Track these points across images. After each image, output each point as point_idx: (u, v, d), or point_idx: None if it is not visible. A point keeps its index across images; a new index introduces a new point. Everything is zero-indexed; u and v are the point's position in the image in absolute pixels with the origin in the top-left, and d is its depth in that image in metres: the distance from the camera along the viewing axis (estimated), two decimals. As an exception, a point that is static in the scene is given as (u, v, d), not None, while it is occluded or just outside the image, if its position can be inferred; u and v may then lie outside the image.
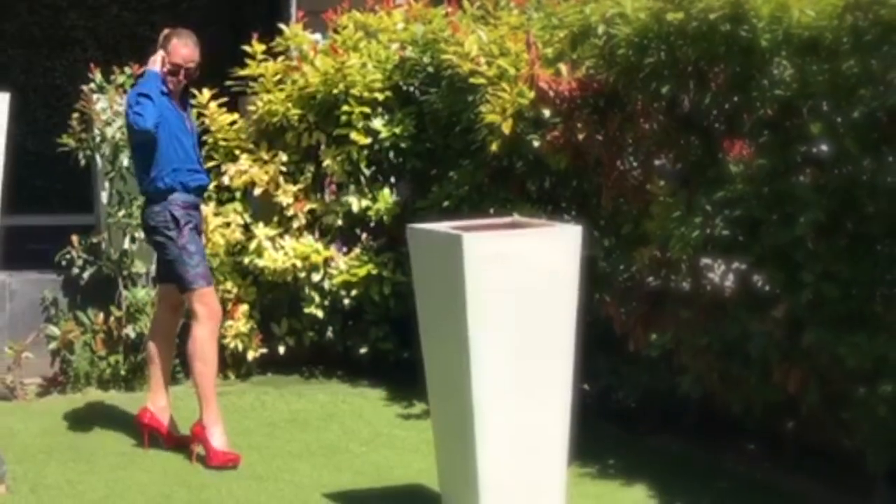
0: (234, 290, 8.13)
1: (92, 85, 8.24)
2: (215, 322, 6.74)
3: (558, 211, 7.41)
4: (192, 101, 7.44)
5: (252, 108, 8.48)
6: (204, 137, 8.16)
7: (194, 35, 6.76)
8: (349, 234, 8.45)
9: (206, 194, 7.41)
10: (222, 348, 7.98)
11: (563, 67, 6.91)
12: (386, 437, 7.07)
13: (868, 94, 5.34)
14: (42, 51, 13.24)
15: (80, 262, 8.23)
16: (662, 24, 6.13)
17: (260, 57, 8.49)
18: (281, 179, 8.30)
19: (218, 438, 6.53)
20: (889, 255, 5.49)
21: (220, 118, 8.41)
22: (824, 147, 5.69)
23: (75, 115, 8.27)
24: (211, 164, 8.19)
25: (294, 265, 8.09)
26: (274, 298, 8.40)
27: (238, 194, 8.34)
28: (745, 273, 6.18)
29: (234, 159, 8.36)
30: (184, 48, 6.64)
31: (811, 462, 6.24)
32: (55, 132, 8.54)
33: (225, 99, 8.51)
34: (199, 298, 6.60)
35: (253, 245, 8.17)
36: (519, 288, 5.18)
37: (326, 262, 8.16)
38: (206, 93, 8.27)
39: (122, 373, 7.98)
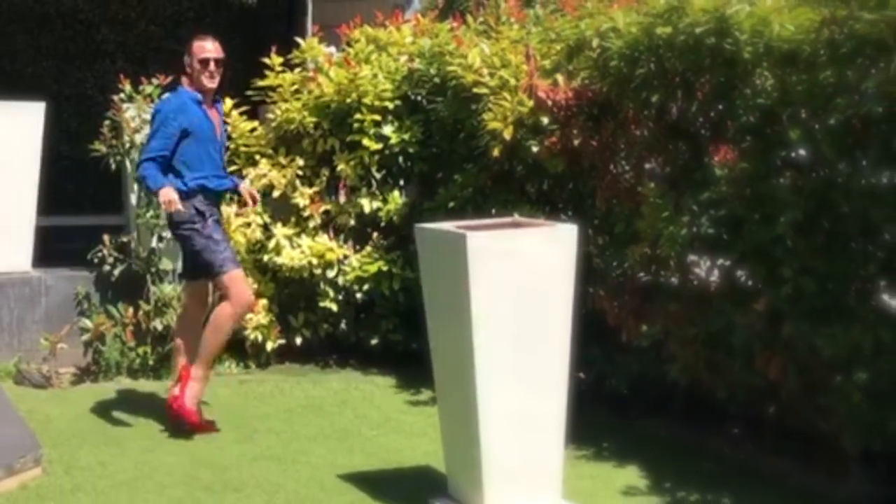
0: (255, 286, 8.15)
1: (122, 95, 8.27)
2: (242, 307, 6.73)
3: (556, 211, 7.42)
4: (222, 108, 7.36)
5: (271, 116, 8.52)
6: (227, 143, 8.19)
7: (212, 37, 6.87)
8: (361, 234, 8.47)
9: (228, 196, 7.55)
10: (243, 340, 8.03)
11: (560, 78, 6.92)
12: (395, 422, 7.09)
13: (843, 102, 5.34)
14: (75, 62, 13.25)
15: (110, 260, 8.26)
16: (652, 38, 6.14)
17: (278, 68, 8.53)
18: (298, 182, 8.34)
19: (191, 396, 6.65)
20: (862, 252, 5.50)
21: (241, 125, 8.45)
22: (802, 152, 5.69)
23: (106, 122, 8.31)
24: (233, 168, 8.22)
25: (310, 262, 8.13)
26: (291, 293, 8.43)
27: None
28: (729, 269, 6.18)
29: (255, 164, 8.40)
30: (203, 42, 6.76)
31: (791, 444, 6.25)
32: (87, 139, 8.56)
33: (246, 108, 8.55)
34: (231, 281, 6.63)
35: (272, 244, 8.21)
36: (519, 283, 5.19)
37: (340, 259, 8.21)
38: (229, 102, 8.31)
39: (151, 363, 8.01)
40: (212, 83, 6.73)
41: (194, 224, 6.61)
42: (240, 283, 6.70)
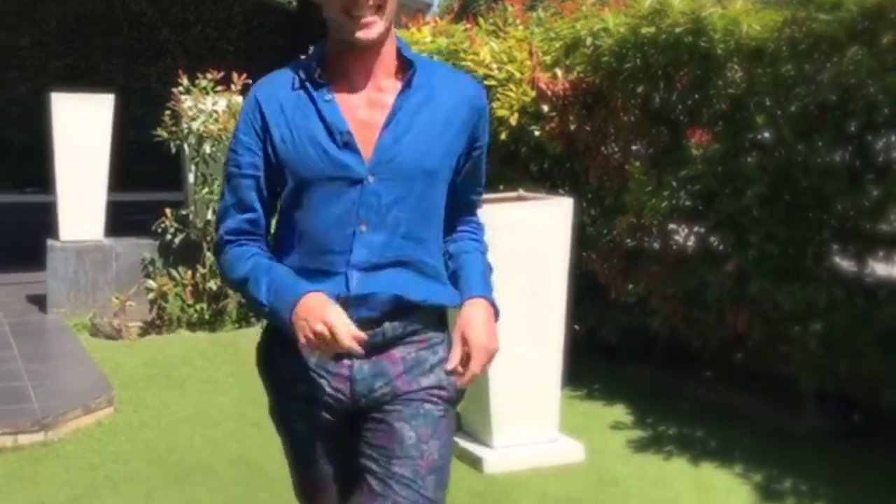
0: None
1: (180, 87, 8.29)
2: None
3: (555, 187, 7.42)
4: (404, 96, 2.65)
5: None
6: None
7: None
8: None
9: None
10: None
11: (559, 72, 6.92)
12: (417, 368, 7.12)
13: (802, 92, 5.34)
14: (140, 60, 13.33)
15: (171, 230, 8.30)
16: (638, 37, 6.14)
17: (315, 64, 8.51)
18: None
19: None
20: (818, 221, 5.51)
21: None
22: (767, 135, 5.70)
23: (167, 112, 8.33)
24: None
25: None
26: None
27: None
28: (703, 235, 6.20)
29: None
30: None
31: (756, 385, 6.30)
32: (151, 126, 8.60)
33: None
34: None
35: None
36: (523, 248, 5.21)
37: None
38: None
39: (207, 317, 8.07)
40: (365, 33, 2.58)
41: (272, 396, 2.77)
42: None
